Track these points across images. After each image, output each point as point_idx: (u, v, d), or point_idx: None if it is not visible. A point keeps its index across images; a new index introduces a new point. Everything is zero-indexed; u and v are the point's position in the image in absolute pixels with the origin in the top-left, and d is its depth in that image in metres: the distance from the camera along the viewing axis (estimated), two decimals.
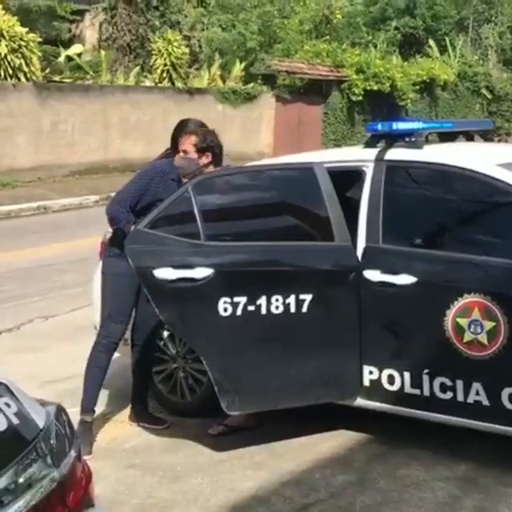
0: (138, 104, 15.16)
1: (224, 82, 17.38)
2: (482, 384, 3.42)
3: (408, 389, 3.61)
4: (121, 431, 4.05)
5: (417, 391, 3.58)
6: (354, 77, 18.20)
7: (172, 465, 3.65)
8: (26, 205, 11.92)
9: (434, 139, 4.40)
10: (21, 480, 1.78)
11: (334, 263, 3.76)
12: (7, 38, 13.33)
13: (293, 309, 3.58)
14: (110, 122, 14.81)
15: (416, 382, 3.58)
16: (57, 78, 14.81)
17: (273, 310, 3.55)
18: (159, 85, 16.08)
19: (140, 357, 4.07)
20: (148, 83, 16.26)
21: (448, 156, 3.89)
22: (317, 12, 20.28)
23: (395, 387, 3.64)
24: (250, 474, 3.54)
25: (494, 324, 3.37)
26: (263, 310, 3.53)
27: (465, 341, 3.43)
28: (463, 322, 3.43)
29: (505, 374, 3.40)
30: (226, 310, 3.49)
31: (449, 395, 3.50)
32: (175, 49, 16.04)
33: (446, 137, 4.43)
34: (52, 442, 1.94)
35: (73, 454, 1.99)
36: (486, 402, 3.42)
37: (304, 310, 3.60)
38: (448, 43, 22.34)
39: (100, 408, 4.04)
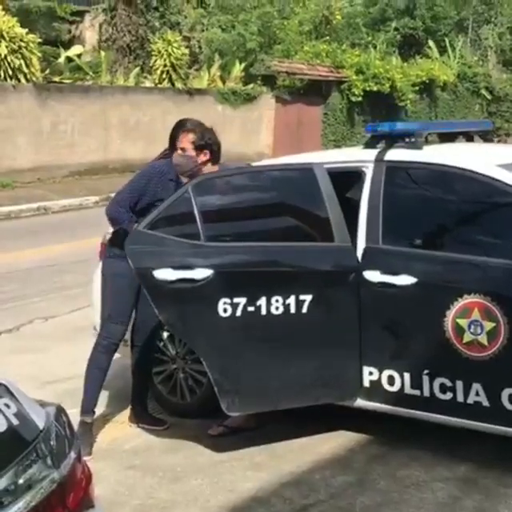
0: (138, 105, 15.17)
1: (224, 82, 17.38)
2: (481, 385, 3.42)
3: (408, 389, 3.60)
4: (121, 432, 4.05)
5: (417, 392, 3.58)
6: (354, 77, 18.21)
7: (172, 466, 3.65)
8: (25, 206, 11.92)
9: (433, 140, 4.40)
10: (21, 481, 1.77)
11: (334, 264, 3.76)
12: (7, 38, 13.33)
13: (293, 309, 3.58)
14: (110, 123, 14.82)
15: (416, 383, 3.57)
16: (57, 79, 14.81)
17: (273, 310, 3.55)
18: (159, 86, 16.08)
19: (140, 358, 4.07)
20: (148, 84, 16.27)
21: (448, 156, 3.89)
22: (316, 13, 20.29)
23: (395, 388, 3.64)
24: (250, 474, 3.54)
25: (493, 324, 3.37)
26: (263, 311, 3.53)
27: (465, 341, 3.43)
28: (463, 322, 3.43)
29: (505, 375, 3.40)
30: (225, 310, 3.49)
31: (449, 396, 3.50)
32: (175, 50, 16.04)
33: (446, 137, 4.43)
34: (52, 442, 1.94)
35: (73, 454, 1.99)
36: (485, 403, 3.42)
37: (304, 310, 3.59)
38: (448, 44, 22.35)
39: (100, 409, 4.04)
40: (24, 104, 13.42)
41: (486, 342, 3.39)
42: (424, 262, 3.67)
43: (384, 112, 18.16)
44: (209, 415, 3.95)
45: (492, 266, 3.51)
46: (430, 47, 22.27)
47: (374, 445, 3.80)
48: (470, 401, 3.45)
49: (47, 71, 14.77)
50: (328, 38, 19.74)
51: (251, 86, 17.39)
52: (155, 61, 16.22)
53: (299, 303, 3.58)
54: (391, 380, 3.64)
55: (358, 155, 4.20)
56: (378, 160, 3.88)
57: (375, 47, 21.00)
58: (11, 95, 13.31)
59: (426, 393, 3.55)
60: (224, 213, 3.91)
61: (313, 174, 3.78)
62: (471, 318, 3.41)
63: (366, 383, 3.70)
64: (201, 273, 3.50)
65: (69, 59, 16.22)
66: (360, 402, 3.75)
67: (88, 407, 3.85)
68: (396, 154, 3.90)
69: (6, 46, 13.28)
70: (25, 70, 13.49)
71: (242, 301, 3.50)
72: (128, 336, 4.02)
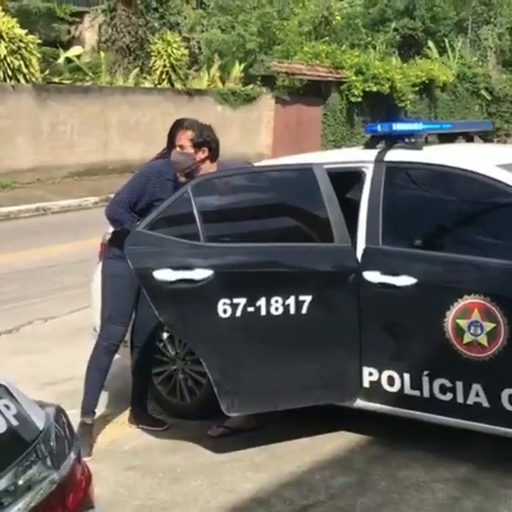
0: (138, 105, 15.17)
1: (223, 83, 17.39)
2: (481, 385, 3.42)
3: (408, 390, 3.60)
4: (120, 433, 4.05)
5: (417, 393, 3.58)
6: (354, 78, 18.22)
7: (172, 466, 3.64)
8: (25, 206, 11.91)
9: (433, 140, 4.40)
10: (20, 482, 1.77)
11: (334, 264, 3.76)
12: (7, 39, 13.33)
13: (292, 310, 3.58)
14: (110, 124, 14.82)
15: (416, 384, 3.57)
16: (56, 80, 14.80)
17: (272, 311, 3.55)
18: (158, 86, 16.08)
19: (140, 358, 4.07)
20: (147, 85, 16.26)
21: (448, 157, 3.89)
22: (316, 13, 20.29)
23: (395, 388, 3.63)
24: (250, 475, 3.54)
25: (493, 325, 3.37)
26: (263, 312, 3.53)
27: (465, 342, 3.43)
28: (463, 323, 3.43)
29: (505, 375, 3.40)
30: (225, 311, 3.49)
31: (449, 396, 3.50)
32: (174, 50, 16.04)
33: (446, 138, 4.43)
34: (52, 443, 1.93)
35: (72, 455, 1.98)
36: (485, 404, 3.42)
37: (304, 311, 3.59)
38: (447, 44, 22.36)
39: (99, 410, 4.03)
40: (23, 104, 13.42)
41: (485, 343, 3.39)
42: (424, 262, 3.67)
43: (383, 112, 18.16)
44: (208, 416, 3.94)
45: (492, 266, 3.51)
46: (429, 48, 22.27)
47: (374, 445, 3.79)
48: (469, 401, 3.45)
49: (47, 72, 14.76)
50: (327, 38, 19.75)
51: (251, 86, 17.39)
52: (155, 61, 16.21)
53: (299, 304, 3.58)
54: (391, 381, 3.64)
55: (357, 156, 4.20)
56: (378, 160, 3.88)
57: (375, 48, 21.01)
58: (11, 96, 13.31)
59: (426, 393, 3.55)
60: (224, 213, 3.91)
61: (312, 175, 3.78)
62: (471, 318, 3.41)
63: (366, 384, 3.70)
64: (200, 273, 3.50)
65: (68, 60, 16.22)
66: (360, 403, 3.75)
67: (88, 408, 3.84)
68: (396, 155, 3.90)
69: (6, 47, 13.28)
70: (24, 70, 13.49)
71: (242, 301, 3.50)
72: (128, 337, 4.02)
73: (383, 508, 3.25)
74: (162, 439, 3.94)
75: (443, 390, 3.51)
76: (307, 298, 3.60)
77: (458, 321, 3.44)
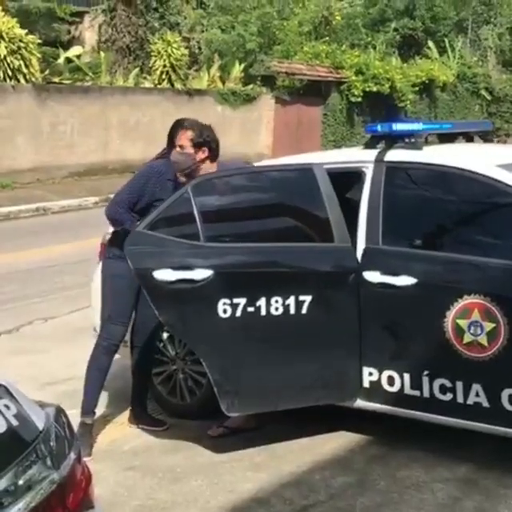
0: (138, 105, 15.17)
1: (223, 83, 17.39)
2: (481, 385, 3.42)
3: (408, 390, 3.60)
4: (120, 433, 4.05)
5: (416, 392, 3.58)
6: (354, 78, 18.22)
7: (172, 466, 3.64)
8: (25, 206, 11.91)
9: (433, 140, 4.40)
10: (20, 482, 1.77)
11: (334, 264, 3.76)
12: (7, 39, 13.33)
13: (292, 310, 3.58)
14: (110, 124, 14.82)
15: (416, 384, 3.57)
16: (56, 80, 14.80)
17: (272, 311, 3.55)
18: (158, 86, 16.08)
19: (139, 358, 4.07)
20: (147, 85, 16.26)
21: (448, 157, 3.89)
22: (316, 13, 20.29)
23: (395, 388, 3.63)
24: (250, 475, 3.54)
25: (493, 325, 3.37)
26: (263, 312, 3.53)
27: (465, 342, 3.43)
28: (463, 323, 3.43)
29: (505, 375, 3.40)
30: (225, 311, 3.49)
31: (449, 396, 3.50)
32: (174, 50, 16.04)
33: (446, 138, 4.43)
34: (52, 443, 1.93)
35: (72, 455, 1.98)
36: (485, 404, 3.42)
37: (304, 311, 3.59)
38: (447, 44, 22.36)
39: (99, 410, 4.03)
40: (23, 105, 13.42)
41: (485, 343, 3.39)
42: (424, 262, 3.67)
43: (383, 112, 18.16)
44: (208, 416, 3.94)
45: (492, 266, 3.51)
46: (429, 48, 22.28)
47: (374, 445, 3.80)
48: (469, 401, 3.45)
49: (47, 72, 14.76)
50: (327, 38, 19.75)
51: (251, 86, 17.39)
52: (155, 61, 16.21)
53: (299, 304, 3.58)
54: (391, 380, 3.64)
55: (357, 156, 4.20)
56: (378, 160, 3.88)
57: (375, 48, 21.01)
58: (11, 96, 13.31)
59: (426, 393, 3.55)
60: (224, 213, 3.91)
61: (312, 175, 3.78)
62: (471, 318, 3.41)
63: (366, 384, 3.70)
64: (200, 273, 3.50)
65: (68, 60, 16.21)
66: (360, 403, 3.75)
67: (88, 408, 3.84)
68: (396, 155, 3.90)
69: (6, 47, 13.28)
70: (24, 70, 13.49)
71: (242, 301, 3.50)
72: (128, 337, 4.02)
73: (383, 508, 3.25)
74: (162, 439, 3.94)
75: (443, 389, 3.51)
76: (307, 298, 3.60)
77: (458, 321, 3.44)
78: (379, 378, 3.66)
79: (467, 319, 3.42)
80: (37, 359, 5.11)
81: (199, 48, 18.15)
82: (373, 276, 3.65)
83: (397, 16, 23.39)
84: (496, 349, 3.37)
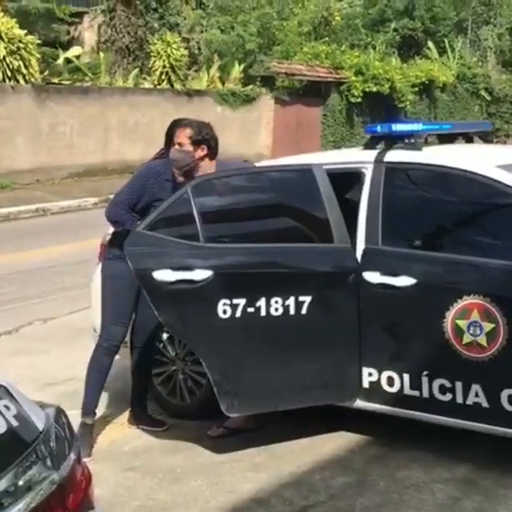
0: (137, 106, 15.17)
1: (223, 83, 17.39)
2: (481, 386, 3.42)
3: (407, 390, 3.61)
4: (120, 433, 4.05)
5: (416, 393, 3.58)
6: (353, 78, 18.22)
7: (171, 467, 3.65)
8: (24, 207, 11.91)
9: (433, 141, 4.40)
10: (20, 482, 1.77)
11: (334, 265, 3.76)
12: (6, 40, 13.32)
13: (292, 311, 3.58)
14: (109, 124, 14.82)
15: (415, 384, 3.57)
16: (55, 80, 14.80)
17: (272, 311, 3.55)
18: (158, 87, 16.08)
19: (139, 359, 4.07)
20: (147, 85, 16.26)
21: (447, 157, 3.89)
22: (316, 14, 20.29)
23: (395, 389, 3.64)
24: (250, 475, 3.54)
25: (493, 325, 3.37)
26: (263, 312, 3.53)
27: (464, 342, 3.43)
28: (462, 323, 3.43)
29: (504, 376, 3.40)
30: (225, 311, 3.49)
31: (448, 397, 3.50)
32: (174, 51, 16.04)
33: (445, 138, 4.43)
34: (52, 444, 1.93)
35: (72, 456, 1.98)
36: (485, 404, 3.42)
37: (303, 311, 3.59)
38: (447, 45, 22.37)
39: (99, 410, 4.03)
40: (23, 105, 13.42)
41: (485, 343, 3.39)
42: (423, 263, 3.67)
43: (383, 113, 18.16)
44: (208, 416, 3.95)
45: (491, 267, 3.51)
46: (429, 48, 22.28)
47: (374, 446, 3.80)
48: (469, 402, 3.45)
49: (46, 72, 14.76)
50: (327, 39, 19.75)
51: (250, 87, 17.39)
52: (154, 62, 16.21)
53: (299, 304, 3.58)
54: (391, 381, 3.64)
55: (357, 156, 4.20)
56: (378, 161, 3.89)
57: (374, 48, 21.01)
58: (10, 96, 13.31)
59: (426, 394, 3.55)
60: (223, 214, 3.91)
61: (312, 175, 3.78)
62: (470, 319, 3.41)
63: (366, 384, 3.70)
64: (200, 274, 3.50)
65: (68, 60, 16.21)
66: (359, 403, 3.75)
67: (89, 409, 3.84)
68: (395, 155, 3.90)
69: (5, 47, 13.28)
70: (24, 71, 13.49)
71: (242, 302, 3.50)
72: (128, 337, 4.02)
73: (383, 508, 3.25)
74: (162, 440, 3.95)
75: (443, 390, 3.51)
76: (307, 299, 3.60)
77: (458, 321, 3.44)
78: (379, 379, 3.66)
79: (467, 320, 3.42)
80: (37, 360, 5.11)
81: (199, 48, 18.15)
82: (372, 276, 3.66)
83: (396, 16, 23.40)
84: (495, 349, 3.37)
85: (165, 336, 4.17)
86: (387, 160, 3.88)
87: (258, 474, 3.55)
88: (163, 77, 16.12)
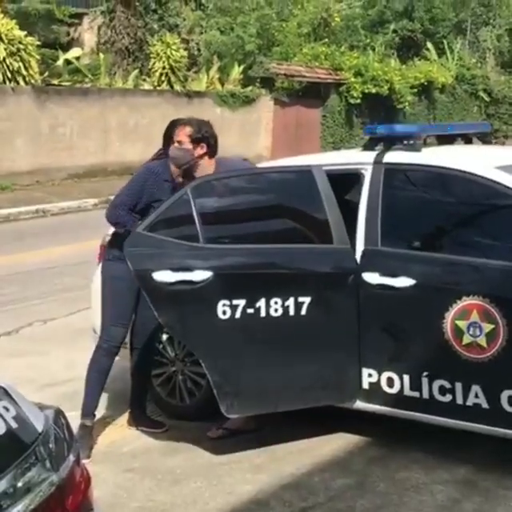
0: (137, 107, 15.17)
1: (222, 85, 17.40)
2: (481, 386, 3.42)
3: (407, 391, 3.60)
4: (119, 435, 4.05)
5: (416, 394, 3.58)
6: (353, 80, 18.23)
7: (171, 468, 3.64)
8: (24, 208, 11.91)
9: (432, 142, 4.40)
10: (20, 484, 1.77)
11: (333, 266, 3.76)
12: (6, 41, 13.33)
13: (292, 311, 3.58)
14: (109, 125, 14.82)
15: (415, 385, 3.57)
16: (55, 82, 14.82)
17: (272, 312, 3.55)
18: (158, 88, 16.09)
19: (139, 360, 4.07)
20: (146, 86, 16.27)
21: (446, 159, 3.89)
22: (315, 15, 20.30)
23: (394, 390, 3.63)
24: (249, 477, 3.54)
25: (493, 326, 3.37)
26: (262, 313, 3.53)
27: (464, 343, 3.43)
28: (462, 324, 3.43)
29: (504, 377, 3.40)
30: (224, 312, 3.49)
31: (448, 398, 3.50)
32: (174, 52, 16.05)
33: (445, 139, 4.43)
34: (51, 445, 1.93)
35: (72, 457, 1.98)
36: (485, 405, 3.42)
37: (303, 312, 3.59)
38: (446, 46, 22.39)
39: (99, 411, 4.03)
40: (23, 106, 13.43)
41: (485, 344, 3.39)
42: (423, 263, 3.67)
43: (383, 114, 18.18)
44: (208, 418, 3.94)
45: (491, 267, 3.51)
46: (428, 49, 22.30)
47: (374, 447, 3.79)
48: (469, 403, 3.45)
49: (46, 74, 14.77)
50: (326, 40, 19.76)
51: (250, 88, 17.40)
52: (154, 63, 16.22)
53: (298, 305, 3.58)
54: (390, 382, 3.64)
55: (356, 157, 4.20)
56: (377, 162, 3.89)
57: (374, 49, 21.03)
58: (10, 98, 13.31)
59: (426, 395, 3.55)
60: (223, 215, 3.91)
61: (311, 176, 3.79)
62: (470, 319, 3.41)
63: (366, 385, 3.70)
64: (200, 275, 3.50)
65: (67, 62, 16.22)
66: (359, 404, 3.75)
67: (88, 410, 3.84)
68: (394, 156, 3.90)
69: (5, 49, 13.28)
70: (23, 72, 13.50)
71: (241, 303, 3.50)
72: (127, 338, 4.01)
73: (382, 510, 3.25)
74: (161, 441, 3.94)
75: (442, 391, 3.51)
76: (306, 300, 3.60)
77: (457, 322, 3.44)
78: (378, 380, 3.66)
79: (466, 320, 3.42)
80: (36, 361, 5.11)
81: (198, 50, 18.16)
82: (372, 277, 3.66)
83: (396, 17, 23.43)
84: (495, 350, 3.37)
85: (164, 337, 4.17)
86: (386, 161, 3.88)
87: (257, 476, 3.55)
88: (163, 78, 16.13)
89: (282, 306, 3.56)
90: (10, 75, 13.36)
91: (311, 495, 3.36)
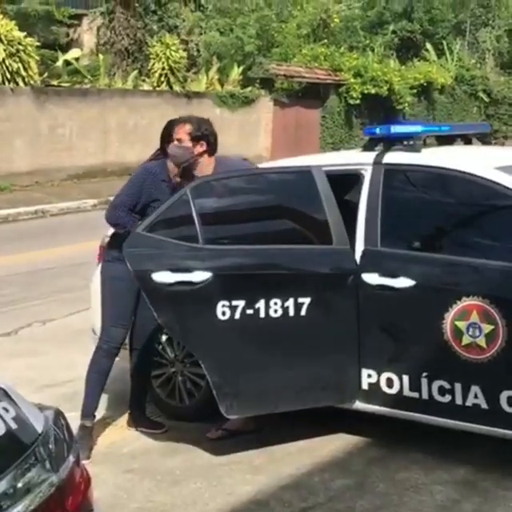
0: (136, 108, 15.17)
1: (222, 85, 17.40)
2: (480, 387, 3.42)
3: (407, 392, 3.60)
4: (119, 435, 4.04)
5: (415, 394, 3.58)
6: (352, 80, 18.24)
7: (170, 469, 3.64)
8: (23, 209, 11.91)
9: (431, 142, 4.41)
10: (19, 485, 1.77)
11: (333, 266, 3.76)
12: (5, 42, 13.34)
13: (291, 312, 3.58)
14: (108, 126, 14.82)
15: (414, 386, 3.57)
16: (55, 83, 14.82)
17: (271, 313, 3.55)
18: (157, 89, 16.09)
19: (139, 361, 4.06)
20: (146, 87, 16.27)
21: (446, 159, 3.90)
22: (314, 16, 20.32)
23: (394, 390, 3.63)
24: (249, 477, 3.54)
25: (492, 327, 3.37)
26: (262, 314, 3.53)
27: (463, 344, 3.43)
28: (462, 325, 3.43)
29: (503, 377, 3.40)
30: (224, 313, 3.49)
31: (447, 398, 3.50)
32: (173, 53, 16.06)
33: (444, 140, 4.43)
34: (50, 446, 1.93)
35: (71, 458, 1.98)
36: (484, 405, 3.42)
37: (302, 313, 3.59)
38: (445, 47, 22.41)
39: (98, 412, 4.02)
40: (22, 107, 13.43)
41: (484, 345, 3.39)
42: (422, 264, 3.67)
43: (382, 115, 18.19)
44: (207, 418, 3.94)
45: (490, 268, 3.51)
46: (427, 50, 22.31)
47: (373, 447, 3.79)
48: (468, 403, 3.45)
49: (45, 75, 14.78)
50: (326, 41, 19.78)
51: (249, 89, 17.40)
52: (153, 64, 16.23)
53: (298, 306, 3.58)
54: (390, 382, 3.64)
55: (356, 158, 4.20)
56: (377, 163, 3.89)
57: (373, 50, 21.05)
58: (9, 98, 13.31)
59: (425, 395, 3.55)
60: (222, 215, 3.91)
61: (311, 177, 3.79)
62: (470, 320, 3.41)
63: (365, 386, 3.70)
64: (199, 275, 3.50)
65: (67, 62, 16.23)
66: (359, 405, 3.75)
67: (88, 411, 3.84)
68: (394, 157, 3.90)
69: (4, 50, 13.29)
70: (23, 73, 13.50)
71: (241, 303, 3.50)
72: (127, 339, 4.01)
73: (382, 510, 3.25)
74: (161, 442, 3.94)
75: (442, 391, 3.51)
76: (306, 300, 3.60)
77: (457, 322, 3.44)
78: (378, 380, 3.66)
79: (466, 321, 3.42)
80: (35, 362, 5.10)
81: (198, 50, 18.17)
82: (371, 278, 3.66)
83: (395, 18, 23.44)
84: (494, 350, 3.37)
85: (164, 338, 4.17)
86: (386, 162, 3.88)
87: (257, 476, 3.55)
88: (162, 79, 16.14)
89: (282, 306, 3.56)
90: (9, 76, 13.36)
91: (311, 496, 3.36)
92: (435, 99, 21.18)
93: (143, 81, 16.57)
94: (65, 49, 17.31)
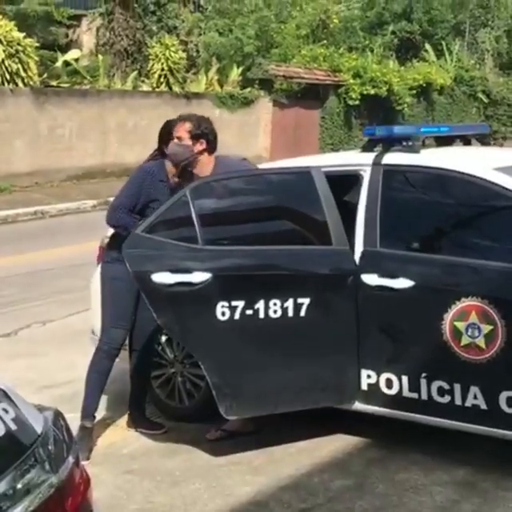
0: (136, 109, 15.17)
1: (221, 86, 17.41)
2: (479, 388, 3.42)
3: (406, 393, 3.61)
4: (119, 436, 4.04)
5: (415, 395, 3.58)
6: (351, 81, 18.24)
7: (170, 470, 3.64)
8: (23, 210, 11.91)
9: (430, 143, 4.41)
10: (19, 486, 1.77)
11: (332, 267, 3.76)
12: (4, 43, 13.34)
13: (291, 313, 3.58)
14: (108, 127, 14.82)
15: (414, 386, 3.58)
16: (54, 83, 14.82)
17: (271, 314, 3.55)
18: (156, 89, 16.09)
19: (138, 362, 4.07)
20: (145, 88, 16.28)
21: (445, 160, 3.90)
22: (314, 17, 20.31)
23: (393, 391, 3.64)
24: (248, 478, 3.54)
25: (491, 327, 3.37)
26: (261, 314, 3.53)
27: (462, 344, 3.43)
28: (461, 325, 3.43)
29: (502, 378, 3.40)
30: (223, 314, 3.49)
31: (447, 399, 3.50)
32: (172, 54, 16.06)
33: (443, 141, 4.44)
34: (50, 447, 1.93)
35: (71, 459, 1.98)
36: (483, 406, 3.42)
37: (302, 314, 3.60)
38: (445, 47, 22.41)
39: (98, 413, 4.02)
40: (21, 108, 13.42)
41: (483, 345, 3.39)
42: (421, 265, 3.67)
43: (381, 115, 18.20)
44: (207, 419, 3.94)
45: (489, 269, 3.51)
46: (426, 51, 22.32)
47: (373, 448, 3.80)
48: (467, 404, 3.45)
49: (45, 75, 14.78)
50: (325, 41, 19.77)
51: (249, 89, 17.41)
52: (153, 65, 16.23)
53: (297, 306, 3.59)
54: (389, 383, 3.64)
55: (355, 159, 4.20)
56: (376, 163, 3.89)
57: (372, 51, 21.04)
58: (9, 99, 13.31)
59: (424, 396, 3.55)
60: (222, 216, 3.91)
61: (310, 178, 3.79)
62: (469, 320, 3.42)
63: (364, 386, 3.70)
64: (199, 276, 3.50)
65: (66, 63, 16.23)
66: (358, 406, 3.75)
67: (88, 412, 3.84)
68: (393, 158, 3.90)
69: (4, 50, 13.29)
70: (22, 74, 13.50)
71: (240, 304, 3.50)
72: (127, 340, 4.01)
73: (381, 511, 3.25)
74: (161, 443, 3.94)
75: (441, 392, 3.51)
76: (305, 301, 3.60)
77: (456, 323, 3.44)
78: (377, 381, 3.66)
79: (465, 321, 3.42)
80: (35, 362, 5.10)
81: (197, 51, 18.18)
82: (371, 279, 3.66)
83: (394, 19, 23.44)
84: (494, 351, 3.37)
85: (163, 338, 4.17)
86: (385, 162, 3.88)
87: (256, 477, 3.55)
88: (162, 79, 16.14)
89: (281, 307, 3.56)
90: (8, 77, 13.36)
91: (310, 496, 3.37)
92: (434, 100, 21.18)
93: (142, 81, 16.58)
94: (64, 49, 17.30)
